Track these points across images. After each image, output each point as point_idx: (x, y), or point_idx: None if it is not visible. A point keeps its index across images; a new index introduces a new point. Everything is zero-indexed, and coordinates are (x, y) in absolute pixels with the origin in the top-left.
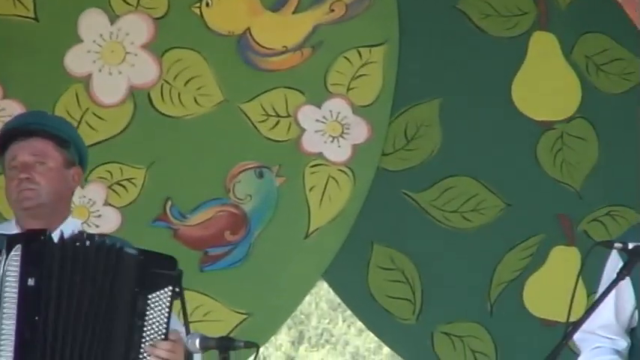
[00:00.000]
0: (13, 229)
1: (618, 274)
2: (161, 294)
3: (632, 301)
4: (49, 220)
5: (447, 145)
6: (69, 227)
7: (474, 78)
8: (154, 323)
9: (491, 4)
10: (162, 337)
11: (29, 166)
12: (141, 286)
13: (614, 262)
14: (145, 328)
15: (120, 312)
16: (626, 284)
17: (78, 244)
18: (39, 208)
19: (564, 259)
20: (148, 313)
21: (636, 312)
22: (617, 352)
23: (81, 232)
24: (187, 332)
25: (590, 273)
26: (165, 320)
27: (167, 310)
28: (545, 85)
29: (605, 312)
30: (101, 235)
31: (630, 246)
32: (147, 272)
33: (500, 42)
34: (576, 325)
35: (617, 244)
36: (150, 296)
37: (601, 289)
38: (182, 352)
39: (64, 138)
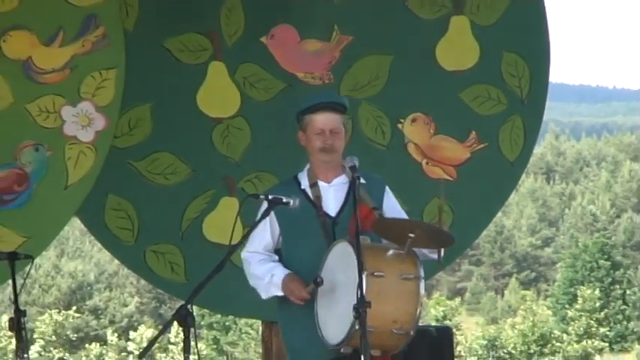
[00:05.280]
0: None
1: (262, 214)
2: None
3: (277, 231)
4: None
5: None
6: None
7: None
8: None
9: None
10: None
11: None
12: None
13: (263, 207)
14: None
15: None
16: (274, 220)
17: None
18: None
19: (229, 206)
20: None
21: (280, 238)
22: (275, 261)
23: None
24: None
25: (245, 215)
26: None
27: None
28: None
29: (266, 236)
30: None
31: (270, 197)
32: None
33: None
34: (234, 247)
35: (262, 196)
36: None
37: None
38: None
39: None
